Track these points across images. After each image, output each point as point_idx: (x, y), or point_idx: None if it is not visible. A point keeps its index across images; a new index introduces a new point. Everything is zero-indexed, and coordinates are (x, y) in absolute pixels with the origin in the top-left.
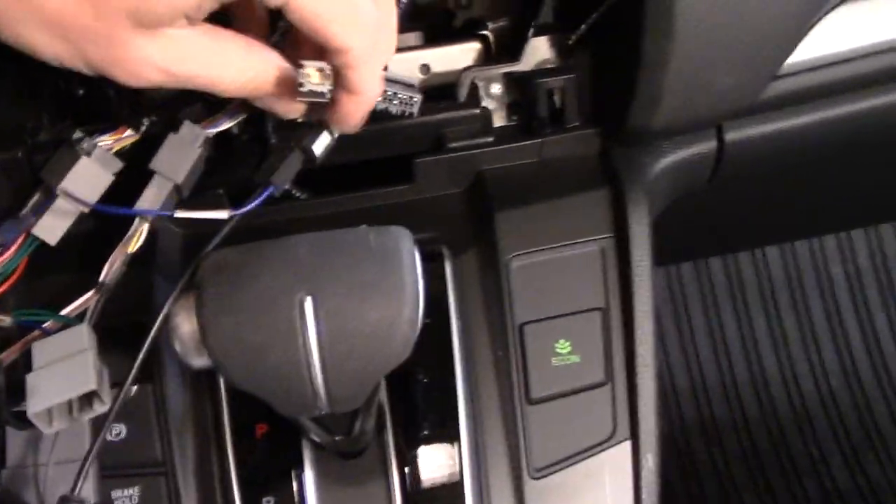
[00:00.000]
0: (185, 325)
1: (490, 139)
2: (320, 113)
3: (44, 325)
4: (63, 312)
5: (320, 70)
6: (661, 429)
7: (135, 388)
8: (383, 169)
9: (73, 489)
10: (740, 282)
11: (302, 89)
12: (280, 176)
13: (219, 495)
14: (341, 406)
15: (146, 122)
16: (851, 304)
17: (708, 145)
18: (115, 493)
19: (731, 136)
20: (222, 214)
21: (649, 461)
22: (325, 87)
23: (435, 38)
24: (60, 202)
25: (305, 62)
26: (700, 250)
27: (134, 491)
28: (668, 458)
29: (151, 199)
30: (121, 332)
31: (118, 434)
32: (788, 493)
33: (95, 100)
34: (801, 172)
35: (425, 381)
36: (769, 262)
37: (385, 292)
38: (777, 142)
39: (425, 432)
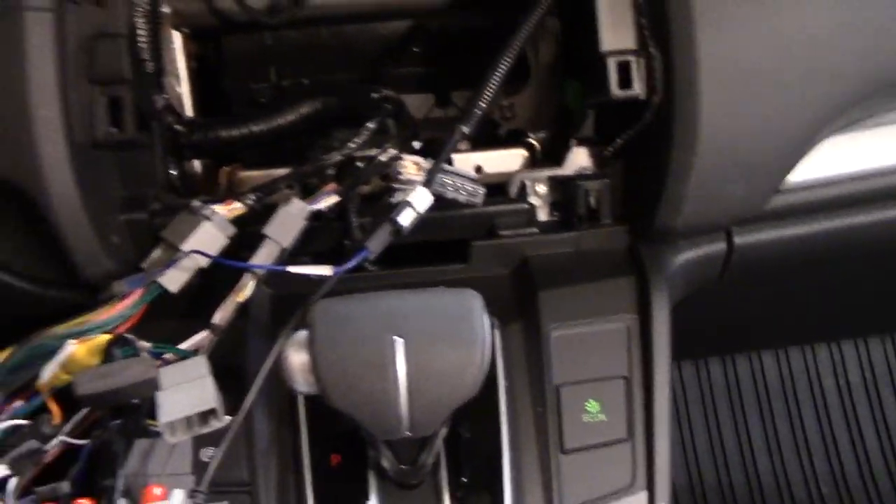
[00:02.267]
0: (296, 357)
1: (535, 230)
2: (406, 194)
3: (165, 356)
4: (181, 347)
5: (416, 164)
6: (674, 483)
7: (227, 417)
8: (439, 250)
9: (197, 483)
10: (737, 385)
11: (401, 177)
12: (374, 242)
13: None
14: (420, 430)
15: (252, 196)
16: (842, 417)
17: (719, 246)
18: None
19: (738, 239)
20: (327, 271)
21: None
22: (419, 177)
23: (483, 143)
24: (184, 258)
25: (406, 156)
26: (700, 350)
27: None
28: None
29: (263, 258)
30: (218, 369)
31: (211, 456)
32: None
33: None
34: (798, 279)
35: (468, 435)
36: (765, 367)
37: (461, 339)
38: (779, 247)
39: (466, 479)
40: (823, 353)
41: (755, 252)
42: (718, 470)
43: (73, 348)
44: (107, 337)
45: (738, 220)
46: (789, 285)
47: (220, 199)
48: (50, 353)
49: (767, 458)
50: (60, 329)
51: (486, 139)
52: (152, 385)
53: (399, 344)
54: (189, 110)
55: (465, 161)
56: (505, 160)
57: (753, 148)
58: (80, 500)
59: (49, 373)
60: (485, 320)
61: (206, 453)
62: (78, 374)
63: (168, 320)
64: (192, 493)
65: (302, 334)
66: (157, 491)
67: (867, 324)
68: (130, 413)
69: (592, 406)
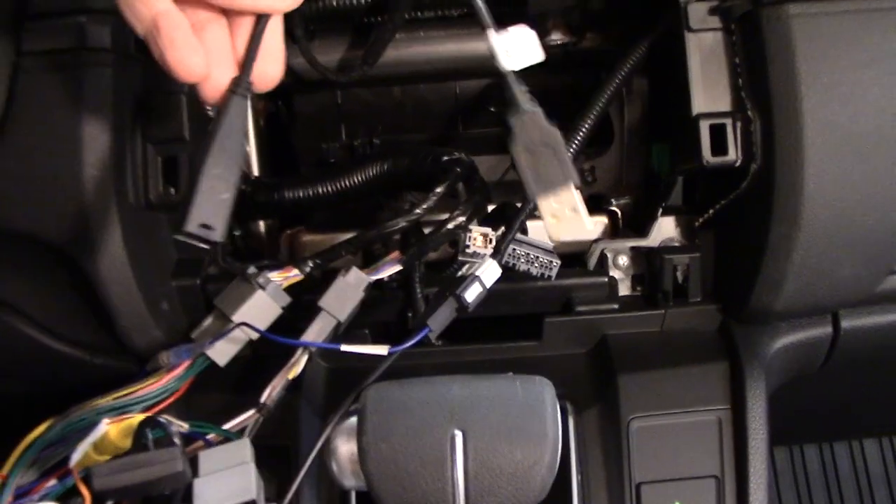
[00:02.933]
0: (344, 447)
1: (615, 306)
2: (473, 267)
3: (207, 437)
4: (225, 427)
5: (485, 235)
6: None
7: None
8: (511, 324)
9: None
10: (836, 472)
11: (467, 251)
12: (436, 320)
13: None
14: None
15: (311, 263)
16: None
17: (824, 330)
18: None
19: (846, 323)
20: (382, 350)
21: None
22: (488, 251)
23: None
24: (234, 329)
25: (474, 227)
26: (797, 436)
27: None
28: None
29: (316, 332)
30: (267, 450)
31: None
32: None
33: (249, 238)
34: None
35: None
36: (866, 454)
37: (530, 436)
38: (890, 333)
39: None
40: None
41: (864, 338)
42: None
43: (105, 428)
44: (139, 417)
45: (846, 303)
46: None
47: (278, 266)
48: (88, 428)
49: None
50: (100, 402)
51: None
52: (181, 478)
53: (459, 438)
54: (256, 169)
55: (541, 229)
56: None
57: (865, 222)
58: None
59: (80, 453)
60: (557, 414)
61: None
62: (95, 466)
63: (215, 396)
64: None
65: (352, 421)
66: None
67: None
68: None
69: None
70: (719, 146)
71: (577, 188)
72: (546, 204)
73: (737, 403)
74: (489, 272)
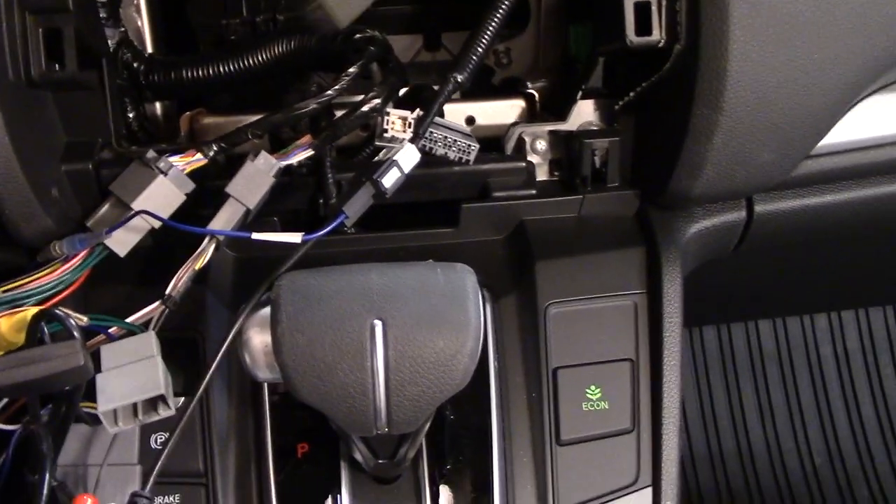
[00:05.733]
0: (257, 338)
1: (533, 191)
2: (391, 152)
3: (109, 330)
4: (129, 320)
5: (403, 119)
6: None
7: (179, 400)
8: (426, 210)
9: (142, 486)
10: (731, 352)
11: (385, 135)
12: (352, 206)
13: None
14: (399, 428)
15: (215, 147)
16: (839, 386)
17: (738, 215)
18: (158, 500)
19: (760, 207)
20: (296, 238)
21: None
22: (406, 135)
23: (475, 91)
24: (135, 217)
25: (391, 110)
26: (695, 318)
27: (174, 499)
28: None
29: (224, 220)
30: (173, 343)
31: (161, 443)
32: None
33: (145, 121)
34: (806, 250)
35: (453, 417)
36: (761, 335)
37: (451, 324)
38: (801, 217)
39: (449, 466)
40: (822, 322)
41: (776, 221)
42: (709, 437)
43: None
44: (33, 310)
45: (762, 188)
46: (797, 255)
47: (179, 150)
48: None
49: (760, 426)
50: None
51: (478, 87)
52: (82, 372)
53: (378, 327)
54: (149, 46)
55: (456, 112)
56: (500, 112)
57: (787, 106)
58: None
59: None
60: (479, 302)
61: (157, 439)
62: None
63: (116, 288)
64: (132, 499)
65: (265, 312)
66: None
67: (870, 294)
68: (60, 402)
69: (593, 393)
70: (644, 26)
71: None
72: None
73: (652, 288)
74: (407, 156)
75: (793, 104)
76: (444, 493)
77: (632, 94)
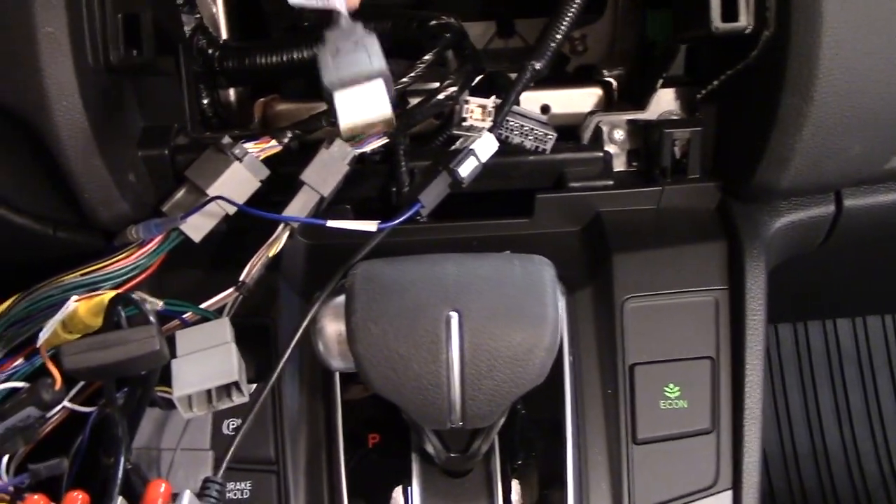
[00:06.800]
0: (331, 327)
1: (610, 182)
2: (468, 141)
3: (184, 316)
4: (203, 306)
5: (482, 107)
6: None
7: (252, 386)
8: (500, 200)
9: (214, 471)
10: (808, 351)
11: (464, 123)
12: (428, 195)
13: (326, 500)
14: (472, 422)
15: (289, 134)
16: None
17: (826, 209)
18: (229, 486)
19: (849, 202)
20: (371, 226)
21: None
22: (485, 124)
23: (549, 79)
24: (209, 203)
25: (470, 98)
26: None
27: (246, 485)
28: None
29: (299, 207)
30: (245, 329)
31: (234, 429)
32: None
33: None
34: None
35: (524, 411)
36: (839, 333)
37: (529, 317)
38: (892, 213)
39: (520, 461)
40: None
41: (865, 216)
42: (783, 437)
43: (74, 305)
44: (110, 294)
45: (852, 181)
46: (880, 251)
47: (254, 136)
48: (56, 305)
49: (836, 428)
50: (67, 278)
51: (552, 75)
52: (158, 357)
53: (454, 319)
54: (224, 32)
55: (530, 100)
56: (575, 100)
57: (880, 96)
58: (72, 493)
59: (48, 331)
60: (557, 295)
61: (230, 426)
62: (65, 345)
63: (190, 273)
64: (205, 485)
65: (339, 301)
66: (161, 488)
67: None
68: (136, 386)
69: (672, 391)
70: (730, 11)
71: None
72: None
73: (735, 284)
74: (486, 145)
75: (886, 94)
76: (514, 487)
77: (715, 82)
